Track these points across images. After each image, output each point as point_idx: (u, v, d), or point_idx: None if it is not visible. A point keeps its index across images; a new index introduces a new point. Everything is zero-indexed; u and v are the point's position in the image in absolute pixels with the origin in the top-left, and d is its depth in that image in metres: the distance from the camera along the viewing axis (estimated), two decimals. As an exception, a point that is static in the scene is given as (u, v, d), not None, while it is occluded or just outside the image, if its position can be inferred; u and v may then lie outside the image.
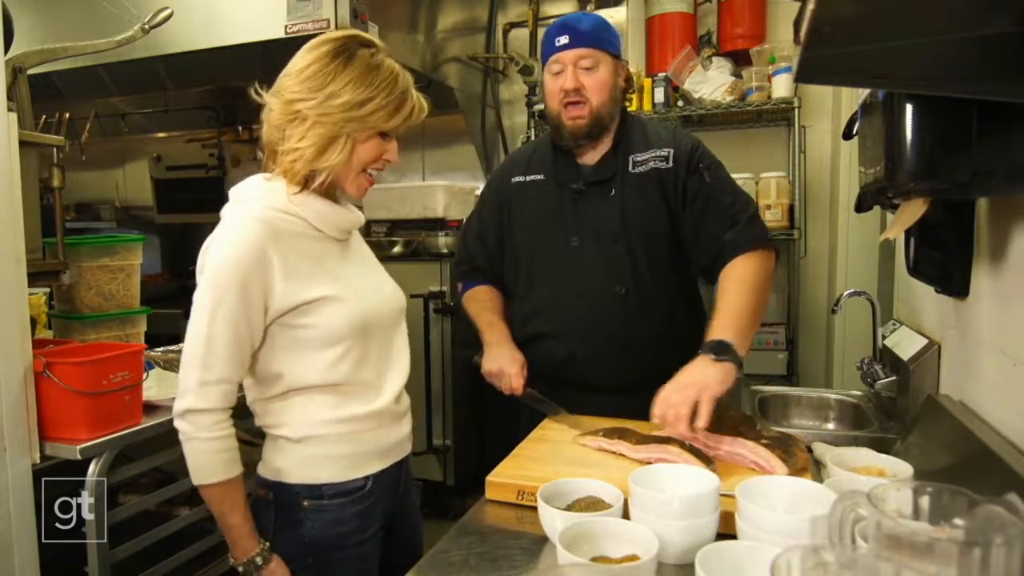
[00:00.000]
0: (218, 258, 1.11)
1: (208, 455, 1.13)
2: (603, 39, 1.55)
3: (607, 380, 1.57)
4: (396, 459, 1.30)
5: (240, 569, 1.18)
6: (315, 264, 1.19)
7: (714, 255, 1.55)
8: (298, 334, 1.16)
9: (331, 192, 1.25)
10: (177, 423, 1.14)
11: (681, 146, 1.59)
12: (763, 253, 1.54)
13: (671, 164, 1.57)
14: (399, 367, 1.31)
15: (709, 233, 1.55)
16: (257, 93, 1.20)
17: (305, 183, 1.19)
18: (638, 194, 1.57)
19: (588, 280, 1.59)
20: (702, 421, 1.26)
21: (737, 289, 1.47)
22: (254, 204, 1.18)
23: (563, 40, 1.53)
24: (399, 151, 1.25)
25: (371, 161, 1.21)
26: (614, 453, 1.32)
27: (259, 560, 1.17)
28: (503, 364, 1.59)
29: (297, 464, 1.20)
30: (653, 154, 1.59)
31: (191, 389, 1.12)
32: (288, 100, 1.16)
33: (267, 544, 1.19)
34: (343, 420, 1.20)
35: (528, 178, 1.70)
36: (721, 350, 1.35)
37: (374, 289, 1.29)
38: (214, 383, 1.12)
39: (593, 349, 1.58)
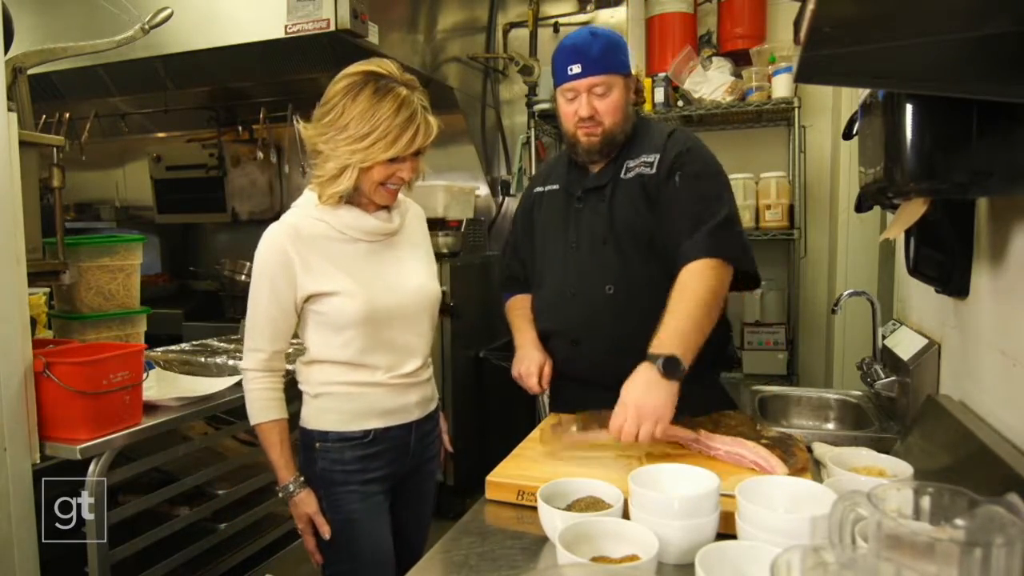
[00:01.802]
0: (255, 258, 1.42)
1: (251, 402, 1.46)
2: (614, 62, 1.57)
3: (604, 377, 1.57)
4: (400, 421, 1.51)
5: (280, 495, 1.48)
6: (333, 262, 1.42)
7: (674, 261, 1.52)
8: (318, 318, 1.44)
9: (366, 202, 1.46)
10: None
11: (668, 151, 1.60)
12: (718, 263, 1.49)
13: (654, 170, 1.59)
14: (412, 352, 1.51)
15: (672, 240, 1.54)
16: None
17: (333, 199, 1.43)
18: (625, 200, 1.61)
19: (582, 281, 1.64)
20: (650, 441, 1.32)
21: (684, 299, 1.44)
22: (292, 212, 1.46)
23: (575, 69, 1.56)
24: (417, 166, 1.44)
25: (383, 181, 1.40)
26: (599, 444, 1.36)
27: (291, 487, 1.46)
28: (521, 368, 1.67)
29: (313, 414, 1.49)
30: (642, 160, 1.62)
31: (245, 352, 1.46)
32: (309, 136, 1.40)
33: (301, 477, 1.47)
34: (347, 383, 1.46)
35: (546, 188, 1.78)
36: (672, 368, 1.34)
37: (390, 287, 1.46)
38: (253, 350, 1.45)
39: (588, 346, 1.63)
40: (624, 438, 1.31)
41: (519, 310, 1.80)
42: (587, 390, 1.62)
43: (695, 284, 1.46)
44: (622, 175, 1.63)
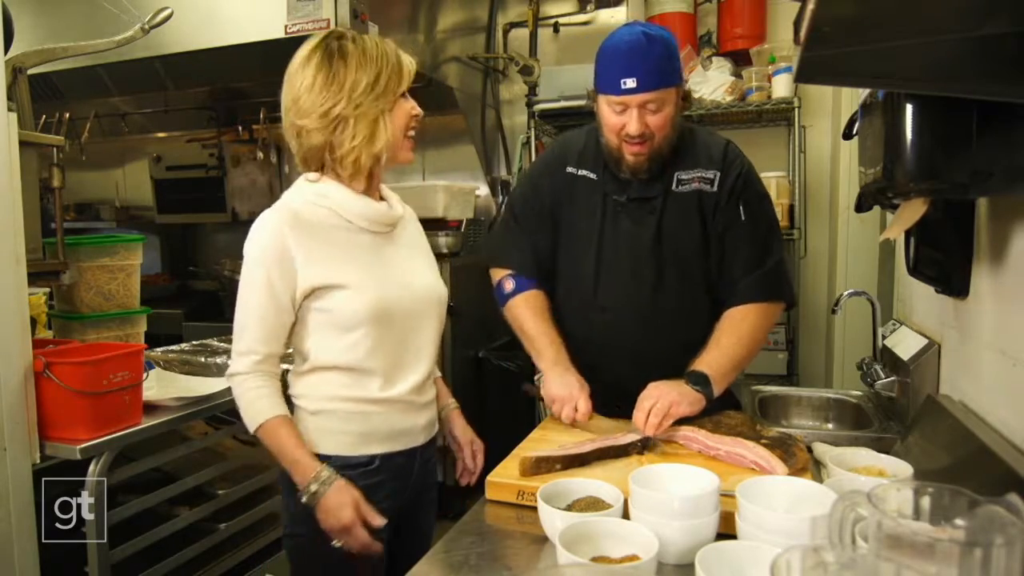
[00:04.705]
0: (246, 251, 1.27)
1: (248, 404, 1.28)
2: (670, 74, 1.45)
3: (622, 393, 1.50)
4: (405, 446, 1.36)
5: (306, 498, 1.23)
6: (337, 252, 1.28)
7: (726, 294, 1.56)
8: (320, 317, 1.28)
9: (370, 187, 1.34)
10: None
11: (728, 171, 1.54)
12: (771, 306, 1.56)
13: (715, 188, 1.54)
14: (420, 359, 1.37)
15: (728, 271, 1.55)
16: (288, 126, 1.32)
17: (371, 172, 1.31)
18: (678, 214, 1.54)
19: (613, 295, 1.57)
20: (660, 431, 1.37)
21: (732, 336, 1.51)
22: (284, 199, 1.31)
23: (630, 83, 1.41)
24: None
25: (408, 122, 1.31)
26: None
27: (324, 474, 1.23)
28: (572, 390, 1.49)
29: (311, 434, 1.30)
30: (699, 174, 1.55)
31: (232, 357, 1.30)
32: (322, 114, 1.24)
33: (329, 469, 1.24)
34: (353, 399, 1.30)
35: (580, 172, 1.63)
36: (699, 381, 1.43)
37: (400, 281, 1.34)
38: (244, 353, 1.28)
39: (610, 363, 1.57)
40: (653, 415, 1.35)
41: (543, 312, 1.62)
42: (604, 404, 1.55)
43: (749, 324, 1.52)
44: (674, 187, 1.55)
